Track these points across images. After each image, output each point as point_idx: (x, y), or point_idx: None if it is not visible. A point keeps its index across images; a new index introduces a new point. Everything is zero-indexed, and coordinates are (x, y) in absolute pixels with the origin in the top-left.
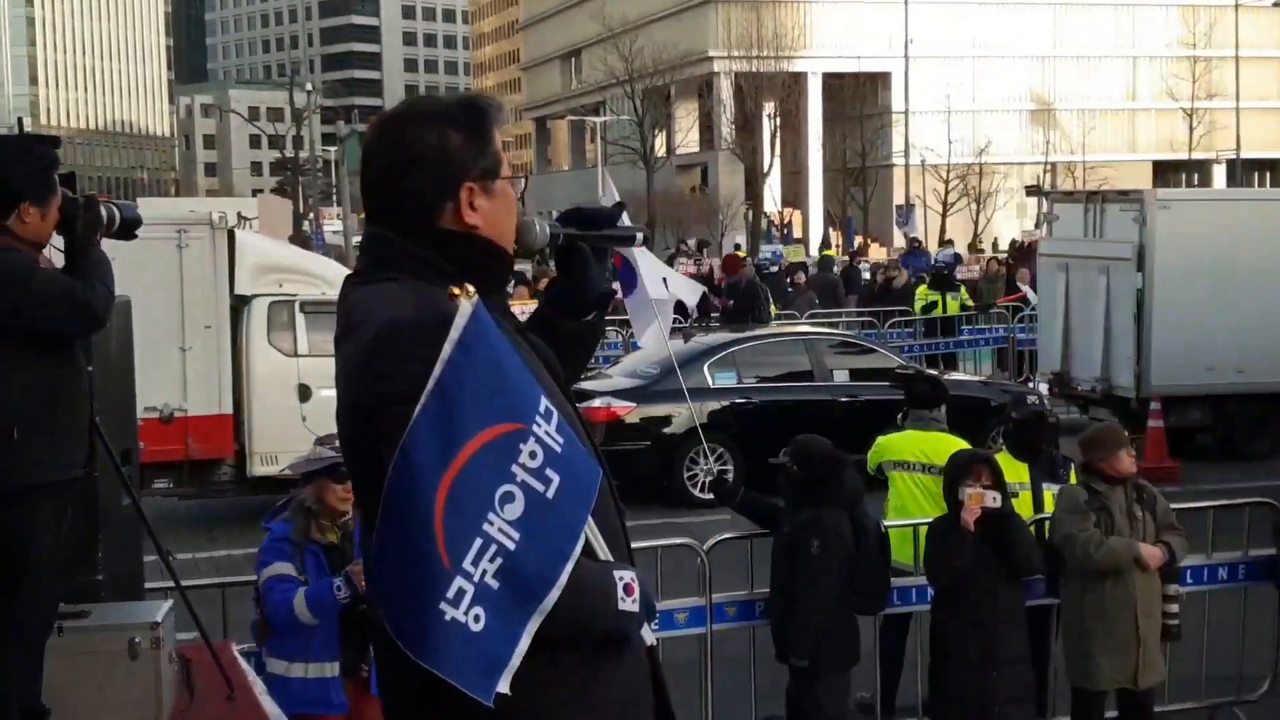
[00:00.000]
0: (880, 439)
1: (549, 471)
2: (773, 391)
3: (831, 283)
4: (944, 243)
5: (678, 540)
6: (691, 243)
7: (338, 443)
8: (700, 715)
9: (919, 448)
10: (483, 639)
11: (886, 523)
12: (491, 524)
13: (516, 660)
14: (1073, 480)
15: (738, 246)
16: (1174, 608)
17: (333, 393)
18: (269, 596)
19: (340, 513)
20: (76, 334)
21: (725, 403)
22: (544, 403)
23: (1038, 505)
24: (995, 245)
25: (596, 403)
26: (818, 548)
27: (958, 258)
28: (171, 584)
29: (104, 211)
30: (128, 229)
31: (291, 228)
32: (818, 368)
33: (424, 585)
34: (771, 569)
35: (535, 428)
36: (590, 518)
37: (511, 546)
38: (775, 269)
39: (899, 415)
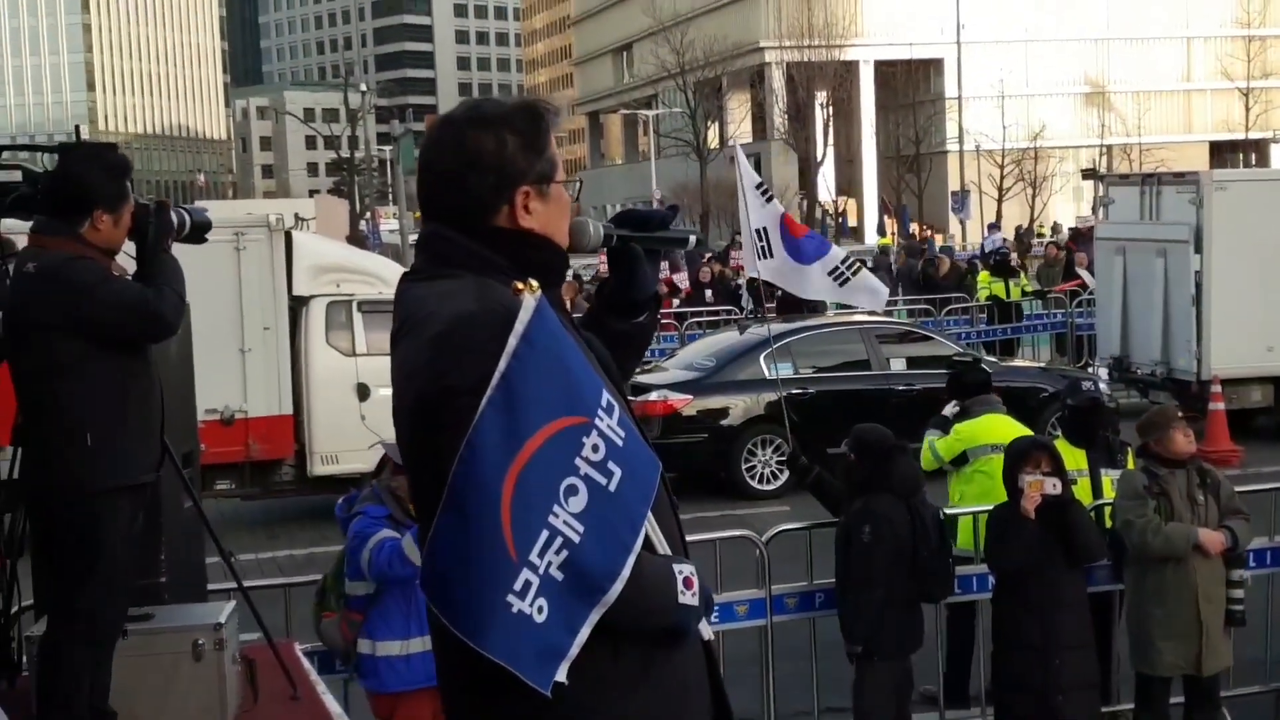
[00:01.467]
0: (959, 427)
1: (611, 464)
2: (829, 381)
3: (902, 272)
4: (991, 227)
5: (736, 532)
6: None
7: None
8: (762, 706)
9: (1014, 431)
10: (545, 629)
11: (969, 509)
12: (557, 516)
13: (575, 650)
14: (1130, 465)
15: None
16: (1238, 593)
17: (391, 391)
18: (380, 554)
19: None
20: (148, 339)
21: (783, 394)
22: (606, 396)
23: (1096, 491)
24: (1054, 229)
25: (653, 396)
26: (868, 535)
27: (1006, 242)
28: (234, 585)
29: (174, 217)
30: (198, 232)
31: (348, 228)
32: (874, 357)
33: (491, 577)
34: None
35: (598, 421)
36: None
37: (576, 539)
38: None
39: (952, 407)
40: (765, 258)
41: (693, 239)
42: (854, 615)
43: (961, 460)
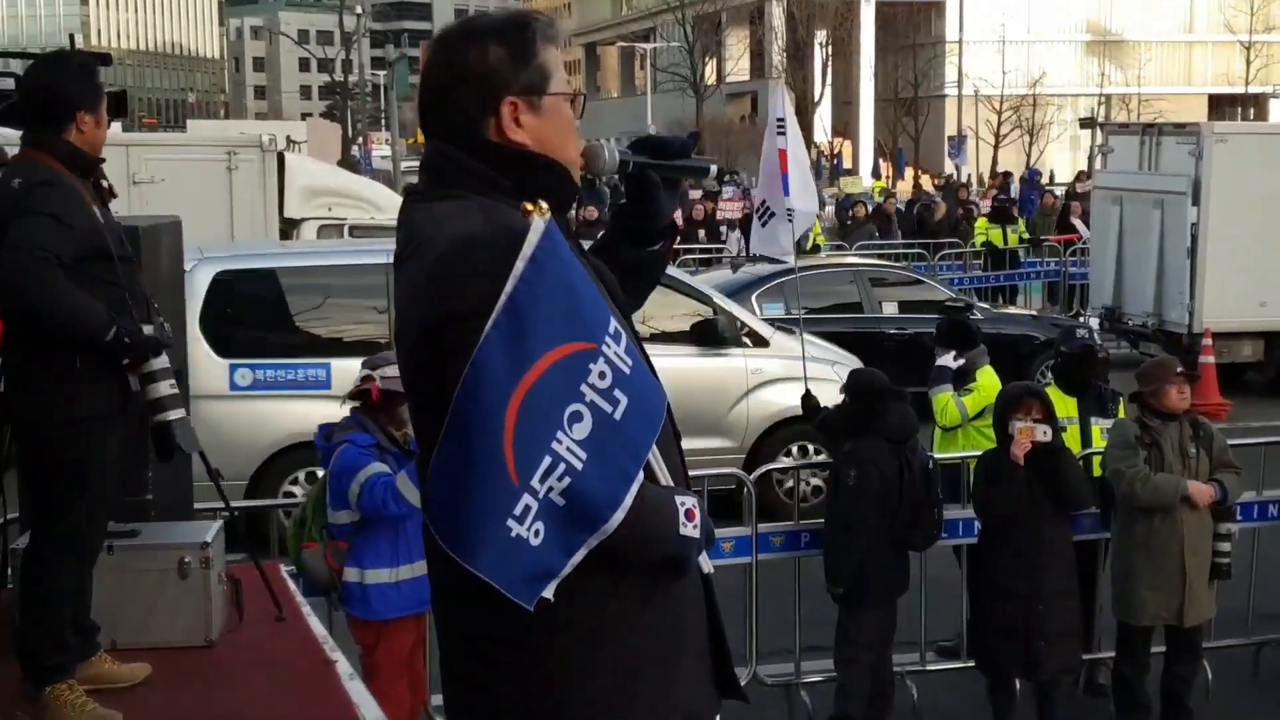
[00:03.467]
0: (982, 381)
1: (617, 393)
2: (821, 323)
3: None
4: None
5: (725, 470)
6: (743, 174)
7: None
8: (745, 645)
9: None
10: (540, 551)
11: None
12: (560, 443)
13: (567, 570)
14: (1121, 414)
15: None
16: (1225, 546)
17: None
18: (372, 491)
19: (406, 425)
20: None
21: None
22: (614, 323)
23: (1085, 440)
24: (1051, 178)
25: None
26: (854, 479)
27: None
28: (221, 505)
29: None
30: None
31: (340, 152)
32: (866, 299)
33: (491, 501)
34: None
35: (605, 348)
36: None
37: (579, 466)
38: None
39: (952, 358)
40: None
41: (714, 169)
42: (838, 558)
43: (978, 415)
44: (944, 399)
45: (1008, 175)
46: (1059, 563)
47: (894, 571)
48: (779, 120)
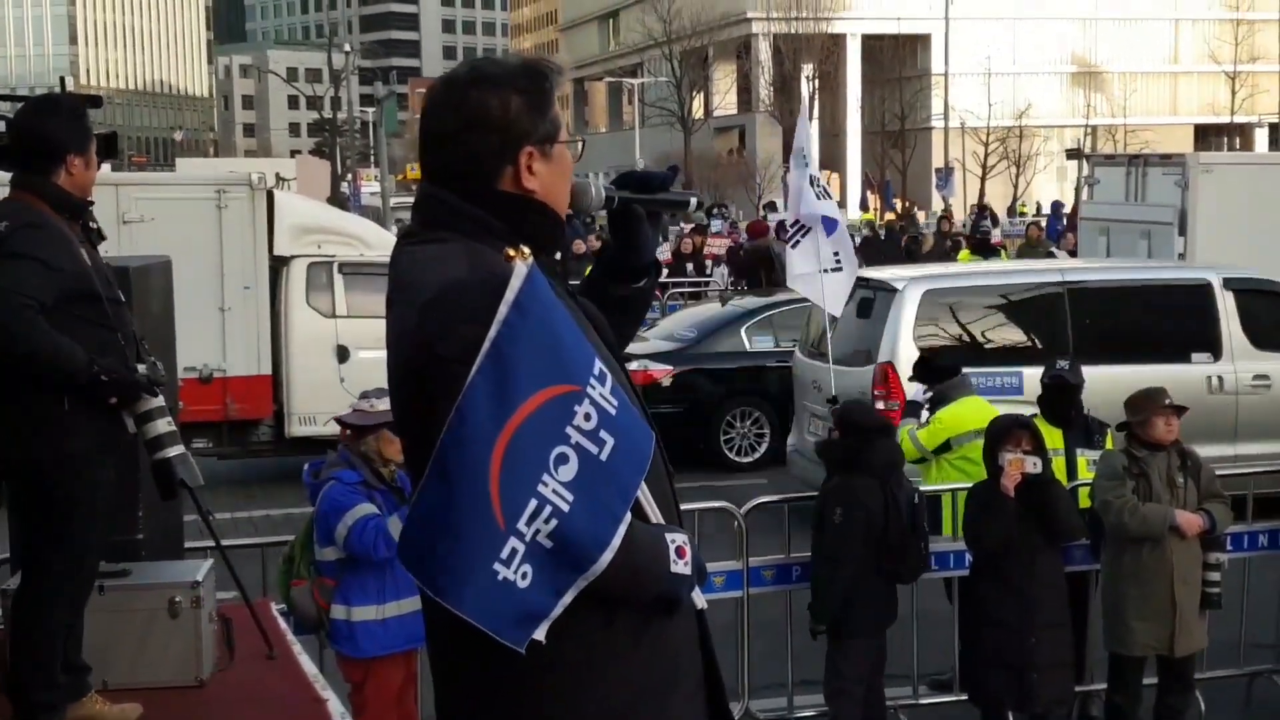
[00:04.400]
0: (940, 414)
1: (603, 434)
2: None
3: (877, 247)
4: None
5: (715, 504)
6: (733, 207)
7: (386, 397)
8: (737, 679)
9: (992, 413)
10: (527, 594)
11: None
12: (546, 485)
13: (557, 612)
14: (1109, 444)
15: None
16: (1215, 575)
17: (370, 354)
18: (362, 535)
19: (392, 462)
20: None
21: (763, 366)
22: (598, 365)
23: (1071, 472)
24: (1038, 209)
25: (633, 366)
26: (840, 516)
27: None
28: (212, 543)
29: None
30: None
31: (329, 189)
32: None
33: (477, 545)
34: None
35: (590, 390)
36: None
37: (565, 508)
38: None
39: (923, 393)
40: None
41: (694, 201)
42: (820, 595)
43: (944, 449)
44: (902, 434)
45: (983, 207)
46: (1051, 594)
47: (882, 602)
48: (803, 152)
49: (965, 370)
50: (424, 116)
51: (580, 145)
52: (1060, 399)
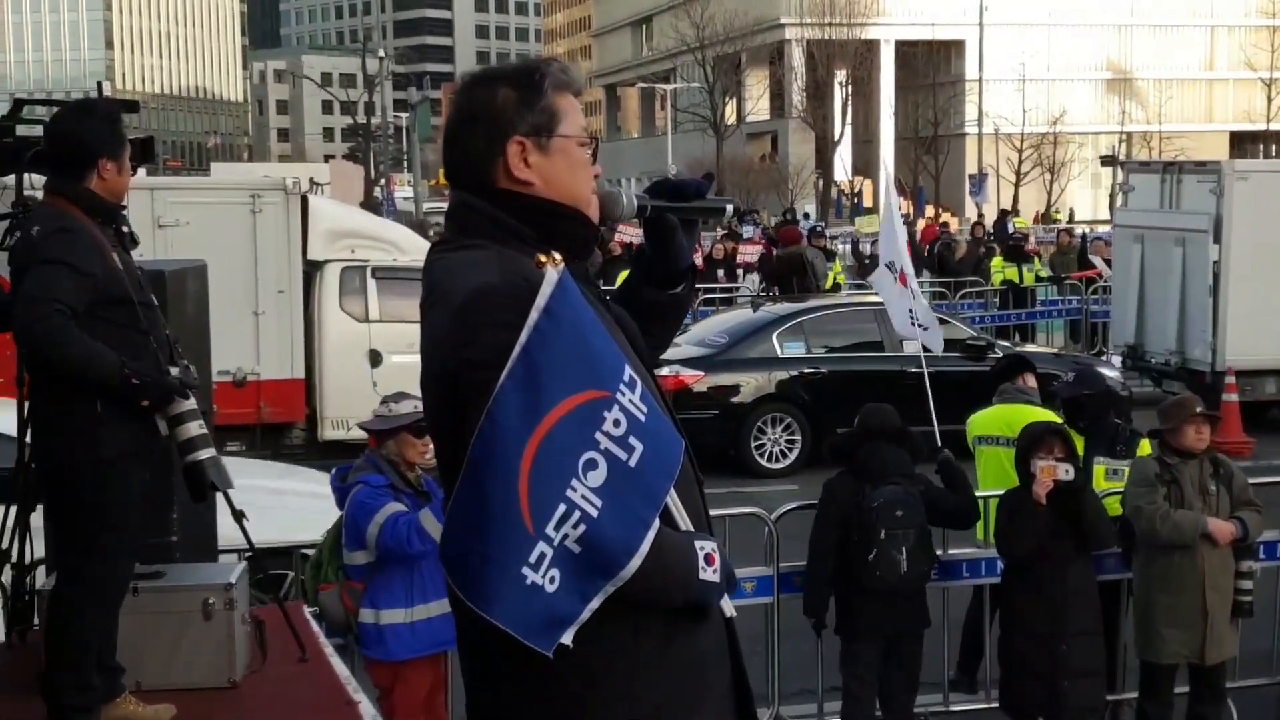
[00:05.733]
0: (972, 416)
1: (632, 440)
2: (842, 361)
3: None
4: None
5: (746, 509)
6: (764, 213)
7: (405, 400)
8: (767, 684)
9: (1004, 421)
10: (555, 598)
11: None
12: (575, 490)
13: (585, 616)
14: (1144, 452)
15: (789, 215)
16: (1247, 584)
17: (403, 358)
18: (395, 530)
19: (417, 465)
20: (7, 329)
21: (794, 372)
22: (628, 371)
23: (1087, 478)
24: (1071, 216)
25: (664, 371)
26: (817, 508)
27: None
28: (245, 546)
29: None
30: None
31: (363, 194)
32: (887, 337)
33: (506, 549)
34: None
35: (619, 396)
36: (671, 488)
37: (594, 513)
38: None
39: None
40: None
41: (730, 208)
42: (807, 588)
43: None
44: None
45: (1005, 213)
46: (1082, 601)
47: (880, 606)
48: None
49: None
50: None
51: (594, 145)
52: (1074, 409)
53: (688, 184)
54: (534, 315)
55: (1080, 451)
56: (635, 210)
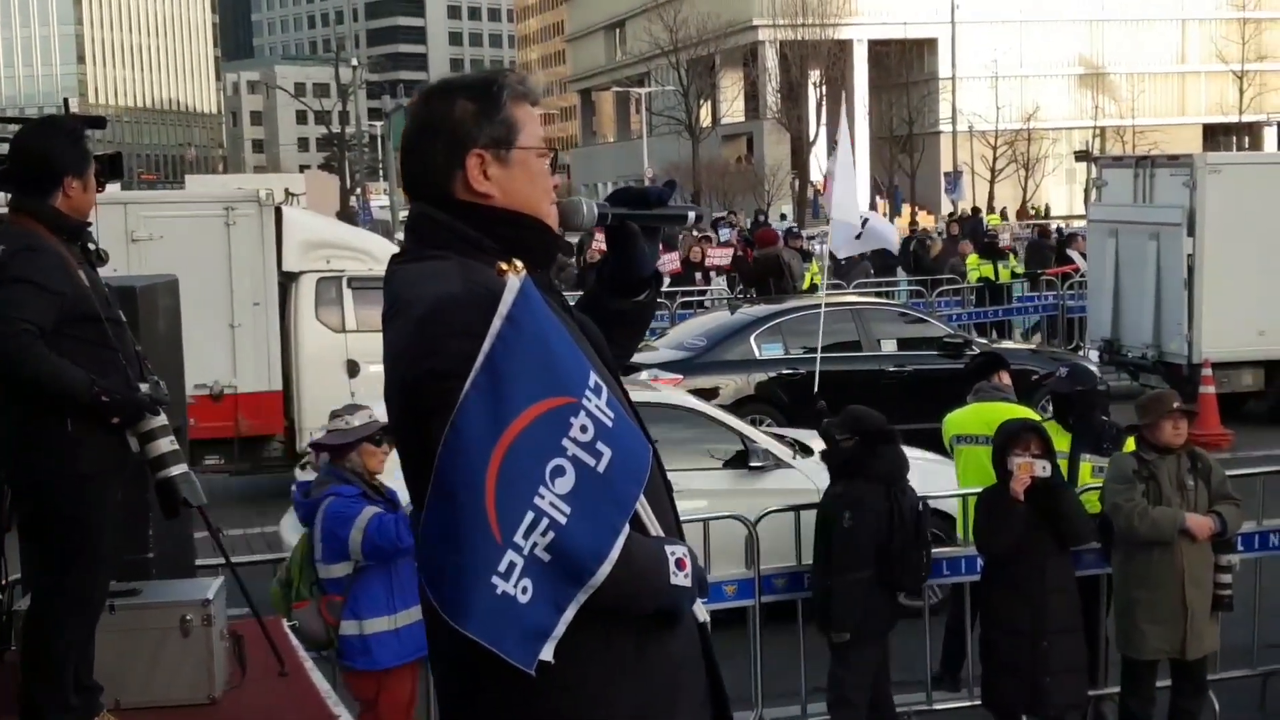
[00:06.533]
0: (948, 416)
1: (600, 445)
2: (820, 362)
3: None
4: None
5: (726, 512)
6: (740, 214)
7: (359, 412)
8: (749, 687)
9: (983, 419)
10: (529, 610)
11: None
12: (543, 498)
13: (561, 629)
14: (1131, 449)
15: (763, 218)
16: (1226, 578)
17: (380, 368)
18: (382, 528)
19: (378, 472)
20: None
21: (772, 374)
22: (593, 377)
23: (1071, 477)
24: (1047, 211)
25: (643, 374)
26: (849, 520)
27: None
28: (222, 561)
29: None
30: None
31: (338, 203)
32: (865, 338)
33: (475, 559)
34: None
35: (585, 402)
36: (641, 494)
37: (563, 520)
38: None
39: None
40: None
41: (692, 215)
42: (840, 601)
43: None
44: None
45: (976, 210)
46: (1062, 598)
47: (887, 609)
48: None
49: None
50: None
51: (552, 156)
52: (1063, 405)
53: (649, 191)
54: (497, 323)
55: (1067, 448)
56: (596, 218)
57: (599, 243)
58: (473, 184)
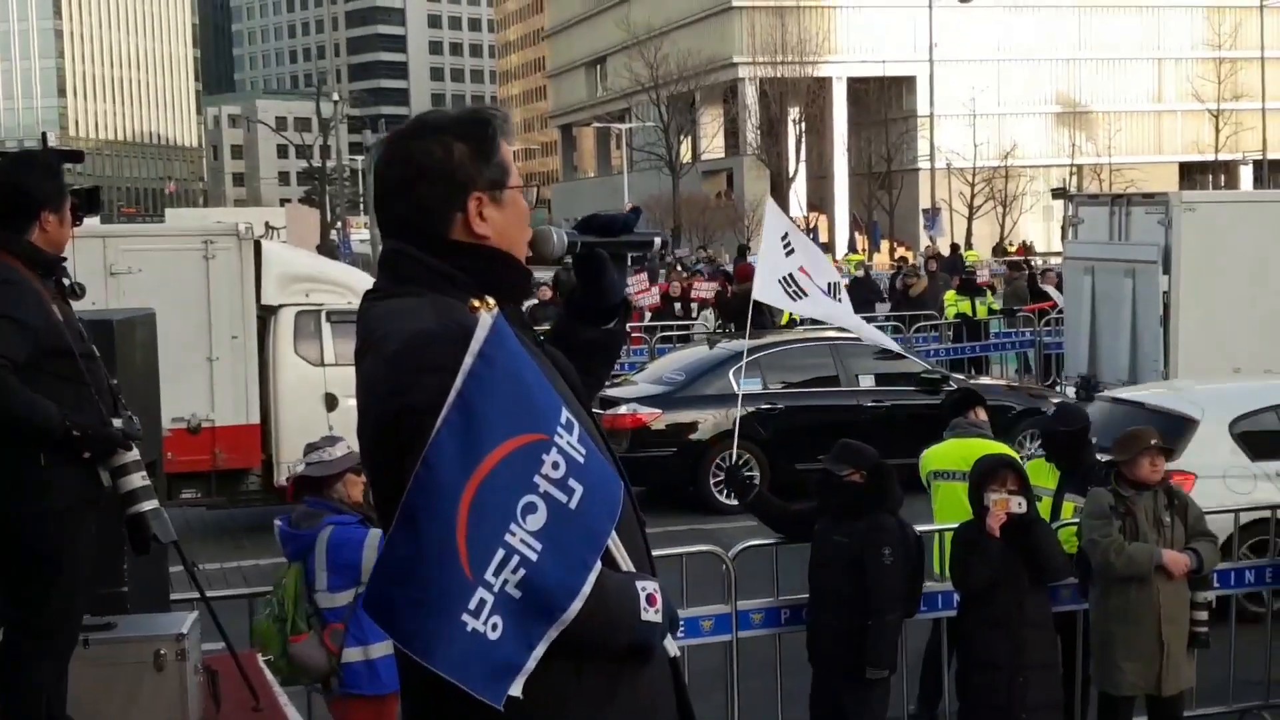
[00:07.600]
0: (925, 451)
1: (572, 482)
2: (799, 397)
3: (870, 288)
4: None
5: (703, 547)
6: (719, 249)
7: (338, 443)
8: None
9: (960, 455)
10: (499, 646)
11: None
12: (514, 535)
13: (531, 665)
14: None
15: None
16: (1203, 615)
17: None
18: None
19: (360, 502)
20: None
21: (751, 409)
22: (565, 413)
23: (1055, 513)
24: (1032, 249)
25: (622, 409)
26: (889, 557)
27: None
28: (197, 595)
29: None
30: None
31: (319, 237)
32: (844, 373)
33: (445, 596)
34: (817, 578)
35: (557, 438)
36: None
37: (534, 557)
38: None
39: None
40: (799, 299)
41: (658, 241)
42: (883, 638)
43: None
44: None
45: (955, 247)
46: (1039, 634)
47: (900, 639)
48: (784, 237)
49: None
50: (375, 174)
51: (535, 192)
52: (1075, 445)
53: (616, 218)
54: (469, 360)
55: (1052, 485)
56: (566, 247)
57: (546, 285)
58: (473, 226)
